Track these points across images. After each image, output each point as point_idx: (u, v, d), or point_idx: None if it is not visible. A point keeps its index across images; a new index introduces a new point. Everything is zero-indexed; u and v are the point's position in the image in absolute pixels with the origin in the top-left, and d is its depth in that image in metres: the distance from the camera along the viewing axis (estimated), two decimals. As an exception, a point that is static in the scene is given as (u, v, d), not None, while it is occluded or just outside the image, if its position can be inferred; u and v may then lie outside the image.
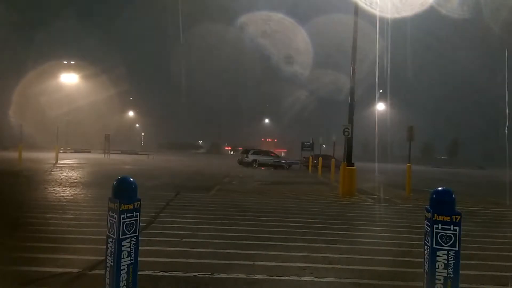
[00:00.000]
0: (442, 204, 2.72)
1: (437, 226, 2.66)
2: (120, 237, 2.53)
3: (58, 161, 24.56)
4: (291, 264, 4.55)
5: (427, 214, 2.79)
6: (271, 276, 4.11)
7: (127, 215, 2.57)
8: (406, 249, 5.46)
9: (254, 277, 4.06)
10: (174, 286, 3.73)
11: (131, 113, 79.73)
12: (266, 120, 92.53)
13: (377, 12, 13.23)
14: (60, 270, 4.01)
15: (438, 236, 2.66)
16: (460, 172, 37.69)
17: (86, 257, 4.46)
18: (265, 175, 21.28)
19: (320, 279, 4.07)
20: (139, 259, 2.68)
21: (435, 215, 2.68)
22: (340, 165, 12.79)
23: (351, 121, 12.84)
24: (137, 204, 2.64)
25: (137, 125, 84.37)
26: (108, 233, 2.60)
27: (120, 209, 2.53)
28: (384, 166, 38.60)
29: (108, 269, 2.59)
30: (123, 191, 2.61)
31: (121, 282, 2.53)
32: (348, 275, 4.23)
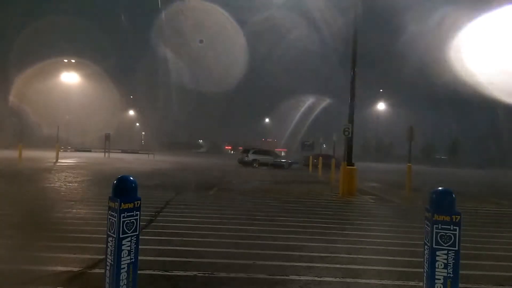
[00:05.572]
0: (442, 204, 2.72)
1: (437, 226, 2.66)
2: (120, 236, 2.53)
3: (59, 160, 24.58)
4: (291, 264, 4.56)
5: (427, 214, 2.79)
6: (271, 275, 4.12)
7: (127, 214, 2.57)
8: (406, 249, 5.46)
9: (254, 276, 4.06)
10: (174, 285, 3.73)
11: (131, 112, 79.73)
12: (266, 120, 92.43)
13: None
14: (60, 268, 4.02)
15: (438, 236, 2.66)
16: (459, 172, 37.73)
17: (86, 256, 4.46)
18: (265, 175, 21.29)
19: (320, 279, 4.07)
20: (139, 258, 2.68)
21: (435, 215, 2.68)
22: (341, 165, 12.79)
23: (351, 121, 12.85)
24: (137, 203, 2.64)
25: (137, 124, 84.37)
26: (108, 232, 2.60)
27: (120, 208, 2.53)
28: (384, 166, 38.62)
29: (108, 268, 2.59)
30: (123, 190, 2.62)
31: (121, 281, 2.54)
32: (348, 275, 4.23)
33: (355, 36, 12.88)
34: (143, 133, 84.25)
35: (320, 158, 24.56)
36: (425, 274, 2.76)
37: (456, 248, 2.64)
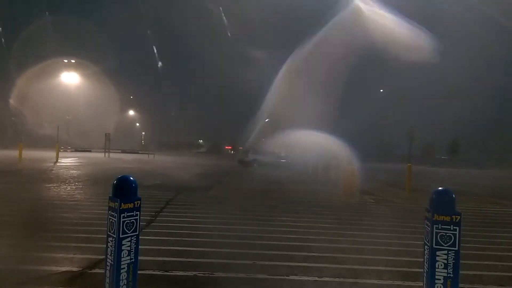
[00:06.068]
0: (442, 204, 2.72)
1: (437, 226, 2.67)
2: (120, 236, 2.53)
3: (59, 160, 24.58)
4: (291, 264, 4.55)
5: (427, 214, 2.79)
6: (271, 275, 4.11)
7: (127, 214, 2.57)
8: (406, 249, 5.46)
9: (254, 276, 4.06)
10: (174, 286, 3.73)
11: (131, 112, 79.71)
12: (266, 120, 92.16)
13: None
14: (60, 269, 4.02)
15: (438, 236, 2.66)
16: (460, 172, 37.75)
17: (87, 256, 4.46)
18: (265, 175, 21.28)
19: (320, 279, 4.07)
20: (139, 258, 2.68)
21: (435, 215, 2.68)
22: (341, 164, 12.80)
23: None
24: (137, 203, 2.64)
25: (137, 124, 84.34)
26: (108, 232, 2.60)
27: (120, 208, 2.53)
28: (385, 166, 38.62)
29: (108, 268, 2.59)
30: (124, 190, 2.62)
31: (121, 281, 2.54)
32: (348, 275, 4.23)
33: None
34: (143, 133, 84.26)
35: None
36: (425, 274, 2.76)
37: (456, 248, 2.64)
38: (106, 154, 37.14)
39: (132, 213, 2.60)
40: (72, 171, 17.04)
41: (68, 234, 5.51)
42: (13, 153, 27.16)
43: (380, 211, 9.35)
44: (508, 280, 4.37)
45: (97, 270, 3.97)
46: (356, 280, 4.08)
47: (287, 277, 4.08)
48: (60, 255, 4.49)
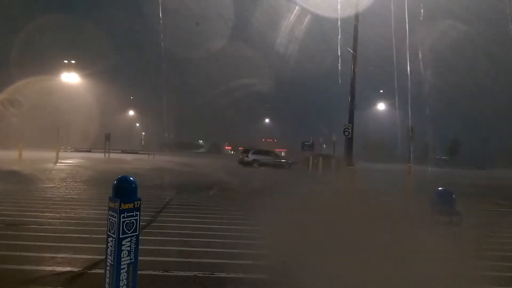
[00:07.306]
0: (441, 204, 2.73)
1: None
2: (120, 236, 2.53)
3: (59, 160, 24.57)
4: (291, 264, 4.54)
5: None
6: (270, 275, 4.11)
7: (127, 214, 2.57)
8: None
9: (254, 276, 4.06)
10: (174, 286, 3.73)
11: (131, 112, 79.70)
12: (266, 120, 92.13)
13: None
14: (60, 269, 4.01)
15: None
16: (460, 172, 37.74)
17: (86, 256, 4.46)
18: (265, 175, 21.28)
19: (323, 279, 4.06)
20: (139, 258, 2.68)
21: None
22: (340, 165, 12.81)
23: (351, 120, 12.86)
24: (137, 204, 2.64)
25: (137, 124, 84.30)
26: (108, 232, 2.60)
27: (120, 208, 2.53)
28: (385, 166, 38.61)
29: (108, 268, 2.59)
30: (124, 190, 2.62)
31: (121, 281, 2.54)
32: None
33: (355, 35, 12.88)
34: (143, 133, 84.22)
35: (320, 158, 24.60)
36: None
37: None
38: (106, 154, 37.12)
39: (132, 213, 2.60)
40: (72, 171, 17.04)
41: (68, 234, 5.51)
42: (13, 154, 27.16)
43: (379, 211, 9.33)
44: (508, 281, 4.37)
45: (97, 270, 3.96)
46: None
47: (287, 277, 4.07)
48: (60, 255, 4.49)
